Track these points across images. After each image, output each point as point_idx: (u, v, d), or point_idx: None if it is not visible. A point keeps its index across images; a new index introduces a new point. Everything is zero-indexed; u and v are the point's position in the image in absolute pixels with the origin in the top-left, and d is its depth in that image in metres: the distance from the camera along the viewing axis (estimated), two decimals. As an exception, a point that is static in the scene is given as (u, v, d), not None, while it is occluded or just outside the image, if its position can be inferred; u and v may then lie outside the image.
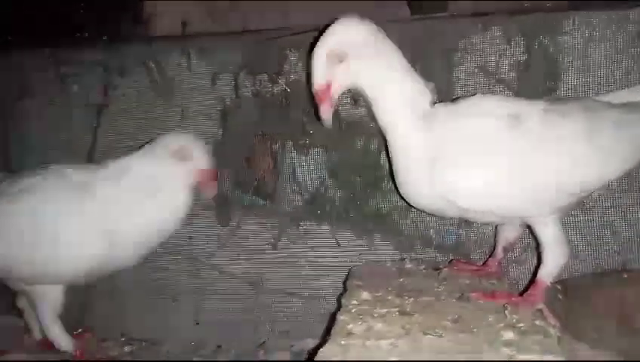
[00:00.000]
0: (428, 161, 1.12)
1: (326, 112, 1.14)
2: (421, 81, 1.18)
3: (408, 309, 1.08)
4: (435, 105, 1.19)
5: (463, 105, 1.16)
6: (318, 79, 1.13)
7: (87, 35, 1.64)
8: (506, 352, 0.87)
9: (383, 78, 1.15)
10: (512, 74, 1.44)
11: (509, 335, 0.94)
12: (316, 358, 0.89)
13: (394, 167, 1.22)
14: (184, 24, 1.58)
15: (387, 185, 1.53)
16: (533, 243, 1.42)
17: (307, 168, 1.59)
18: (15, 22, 1.69)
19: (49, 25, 1.66)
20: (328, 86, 1.13)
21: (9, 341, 1.64)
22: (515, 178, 1.08)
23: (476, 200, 1.11)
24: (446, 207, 1.14)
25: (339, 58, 1.11)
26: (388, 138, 1.20)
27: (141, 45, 1.64)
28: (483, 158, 1.09)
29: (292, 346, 1.57)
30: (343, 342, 0.93)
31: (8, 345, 1.59)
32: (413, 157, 1.15)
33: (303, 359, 1.49)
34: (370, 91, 1.17)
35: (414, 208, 1.40)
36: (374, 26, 1.16)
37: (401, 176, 1.20)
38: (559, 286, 1.29)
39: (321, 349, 0.92)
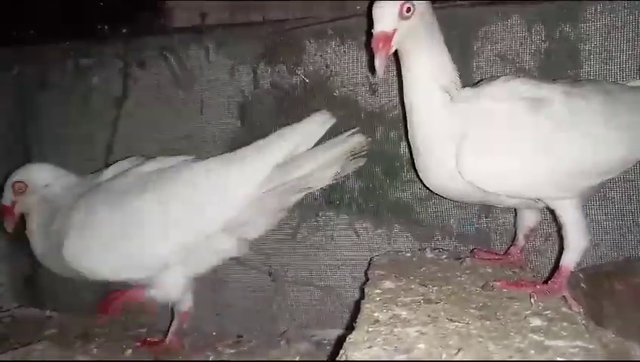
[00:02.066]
0: (452, 142, 1.12)
1: (382, 61, 1.09)
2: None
3: (433, 298, 1.08)
4: (461, 88, 1.19)
5: (488, 88, 1.16)
6: (386, 25, 1.08)
7: (106, 28, 1.65)
8: (534, 338, 0.87)
9: (431, 51, 1.15)
10: (533, 62, 1.43)
11: (536, 322, 0.94)
12: (345, 344, 0.90)
13: (416, 150, 1.21)
14: (203, 16, 1.58)
15: (406, 174, 1.53)
16: (554, 233, 1.42)
17: (326, 159, 1.58)
18: (35, 16, 1.70)
19: (69, 18, 1.66)
20: (392, 34, 1.09)
21: (31, 332, 1.67)
22: (538, 160, 1.08)
23: (500, 183, 1.11)
24: (469, 191, 1.14)
25: (407, 9, 1.08)
26: (414, 118, 1.19)
27: (160, 37, 1.65)
28: (507, 141, 1.09)
29: (313, 336, 1.58)
30: (370, 329, 0.94)
31: (31, 336, 1.61)
32: (438, 137, 1.15)
33: (324, 348, 1.50)
34: (414, 60, 1.15)
35: (434, 195, 1.40)
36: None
37: (425, 160, 1.19)
38: (582, 274, 1.28)
39: (348, 336, 0.92)
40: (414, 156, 1.24)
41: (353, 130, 1.43)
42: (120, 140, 1.73)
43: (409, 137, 1.25)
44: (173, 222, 1.37)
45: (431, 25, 1.16)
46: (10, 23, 1.73)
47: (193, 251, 1.41)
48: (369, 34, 1.13)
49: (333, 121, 1.44)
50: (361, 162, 1.45)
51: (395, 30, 1.09)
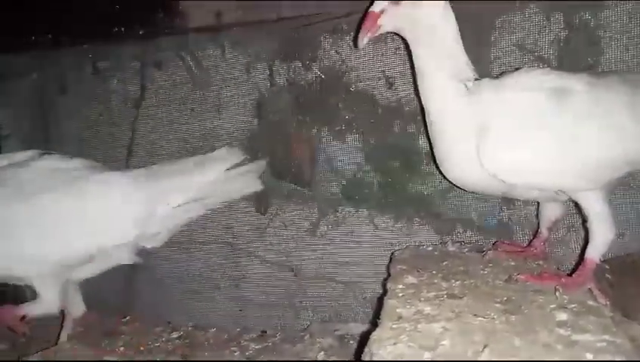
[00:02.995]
0: (473, 134, 1.11)
1: (363, 35, 1.15)
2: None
3: (456, 292, 1.08)
4: (480, 79, 1.18)
5: (509, 79, 1.15)
6: (376, 6, 1.15)
7: (123, 30, 1.66)
8: (560, 333, 0.87)
9: (442, 42, 1.15)
10: (552, 50, 1.41)
11: (562, 316, 0.93)
12: (369, 342, 0.90)
13: (436, 143, 1.21)
14: (218, 15, 1.58)
15: (426, 168, 1.52)
16: (577, 224, 1.41)
17: (344, 154, 1.59)
18: (53, 20, 1.72)
19: (85, 22, 1.68)
20: (378, 14, 1.14)
21: (57, 332, 1.70)
22: (563, 152, 1.07)
23: (524, 175, 1.10)
24: (491, 183, 1.13)
25: None
26: (431, 111, 1.19)
27: (176, 38, 1.65)
28: (531, 133, 1.08)
29: (336, 331, 1.58)
30: (394, 326, 0.94)
31: (56, 337, 1.64)
32: (458, 130, 1.14)
33: (347, 343, 1.51)
34: (425, 51, 1.17)
35: (455, 187, 1.39)
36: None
37: (444, 152, 1.19)
38: (607, 266, 1.27)
39: (373, 333, 0.93)
40: (434, 149, 1.23)
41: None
42: (139, 141, 1.75)
43: (428, 130, 1.24)
44: (73, 230, 1.36)
45: (436, 13, 1.15)
46: (29, 29, 1.74)
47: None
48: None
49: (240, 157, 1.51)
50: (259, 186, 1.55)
51: (382, 11, 1.14)
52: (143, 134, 1.74)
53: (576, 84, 1.10)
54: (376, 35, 1.18)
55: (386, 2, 1.13)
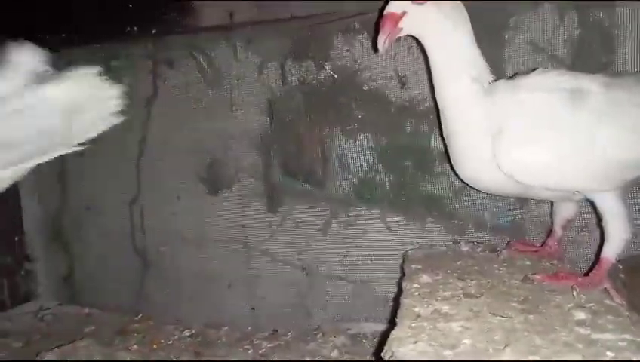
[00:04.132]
0: (490, 135, 1.11)
1: (383, 41, 1.12)
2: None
3: (473, 291, 1.08)
4: (495, 80, 1.18)
5: (525, 80, 1.15)
6: (395, 6, 1.12)
7: (135, 29, 1.67)
8: (580, 332, 0.87)
9: (458, 43, 1.15)
10: (565, 50, 1.41)
11: (580, 315, 0.94)
12: (389, 340, 0.90)
13: (451, 144, 1.21)
14: (231, 14, 1.59)
15: (438, 167, 1.52)
16: (590, 223, 1.41)
17: (356, 153, 1.59)
18: (66, 20, 1.73)
19: (98, 21, 1.69)
20: (399, 16, 1.12)
21: (71, 329, 1.71)
22: (579, 153, 1.07)
23: (540, 176, 1.10)
24: (507, 184, 1.13)
25: None
26: (447, 112, 1.19)
27: (189, 37, 1.66)
28: (547, 134, 1.08)
29: (348, 329, 1.59)
30: (413, 325, 0.94)
31: (72, 333, 1.66)
32: (474, 130, 1.14)
33: (360, 342, 1.52)
34: (441, 52, 1.16)
35: (467, 187, 1.39)
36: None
37: (460, 153, 1.19)
38: (620, 265, 1.27)
39: (392, 332, 0.93)
40: (448, 149, 1.23)
41: None
42: (151, 139, 1.76)
43: (442, 130, 1.24)
44: None
45: (454, 14, 1.15)
46: (42, 28, 1.75)
47: None
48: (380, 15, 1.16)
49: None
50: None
51: (404, 13, 1.11)
52: (155, 132, 1.75)
53: (592, 84, 1.10)
54: (395, 38, 1.16)
55: (407, 2, 1.12)
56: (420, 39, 1.20)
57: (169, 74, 1.70)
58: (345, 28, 1.55)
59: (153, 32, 1.67)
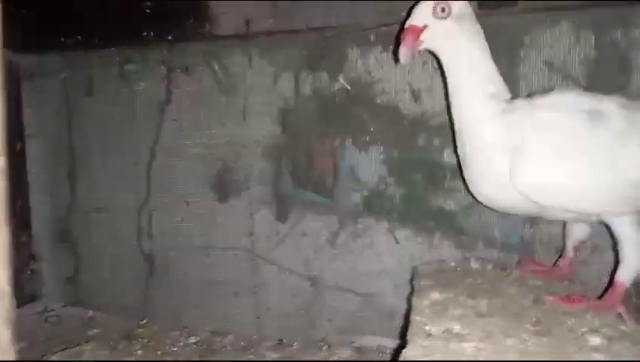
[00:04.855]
0: (507, 154, 1.10)
1: (405, 54, 1.13)
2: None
3: (484, 311, 1.07)
4: (513, 99, 1.18)
5: (543, 100, 1.15)
6: (416, 19, 1.14)
7: (151, 34, 1.67)
8: (596, 357, 0.86)
9: (475, 59, 1.16)
10: (581, 70, 1.41)
11: (595, 340, 0.93)
12: (401, 359, 0.90)
13: (467, 163, 1.20)
14: (247, 23, 1.59)
15: (449, 183, 1.52)
16: (601, 244, 1.40)
17: (367, 165, 1.59)
18: (82, 23, 1.74)
19: (115, 25, 1.69)
20: (421, 29, 1.13)
21: (75, 332, 1.71)
22: (597, 175, 1.06)
23: (557, 198, 1.09)
24: (523, 204, 1.12)
25: (441, 9, 1.12)
26: (462, 128, 1.18)
27: (204, 44, 1.66)
28: (565, 154, 1.07)
29: (353, 342, 1.58)
30: (425, 344, 0.93)
31: (76, 336, 1.65)
32: (491, 148, 1.13)
33: (365, 355, 1.51)
34: (458, 68, 1.17)
35: (481, 205, 1.39)
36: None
37: (476, 172, 1.18)
38: (633, 288, 1.26)
39: (403, 351, 0.92)
40: (463, 167, 1.23)
41: None
42: (163, 144, 1.76)
43: (457, 147, 1.24)
44: None
45: (473, 31, 1.16)
46: (58, 30, 1.76)
47: None
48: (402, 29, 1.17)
49: None
50: None
51: (425, 26, 1.13)
52: (167, 138, 1.75)
53: (611, 106, 1.09)
54: (417, 51, 1.17)
55: (429, 16, 1.13)
56: (437, 54, 1.21)
57: (183, 80, 1.71)
58: (360, 40, 1.55)
59: (169, 37, 1.67)
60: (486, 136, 1.14)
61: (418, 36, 1.13)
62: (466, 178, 1.22)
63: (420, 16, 1.14)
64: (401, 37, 1.15)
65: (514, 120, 1.12)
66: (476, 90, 1.15)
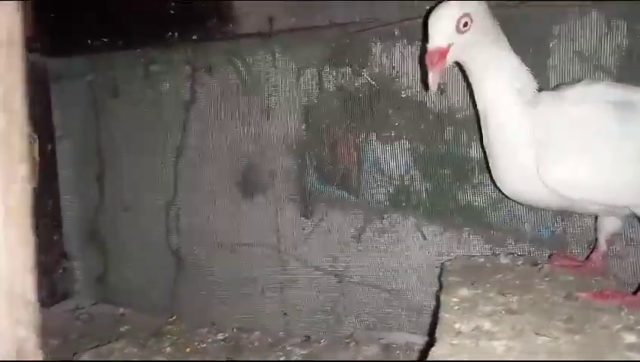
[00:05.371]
0: (534, 147, 1.08)
1: (436, 77, 1.08)
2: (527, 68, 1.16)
3: (514, 308, 1.05)
4: (540, 91, 1.16)
5: (571, 92, 1.12)
6: (440, 40, 1.07)
7: (175, 34, 1.69)
8: (632, 356, 0.84)
9: (498, 56, 1.12)
10: (612, 60, 1.37)
11: (630, 338, 0.90)
12: (429, 358, 0.89)
13: (493, 157, 1.18)
14: (271, 20, 1.59)
15: (478, 177, 1.49)
16: (636, 237, 1.36)
17: (392, 160, 1.57)
18: (107, 25, 1.76)
19: (139, 26, 1.71)
20: (447, 50, 1.08)
21: (106, 329, 1.74)
22: (625, 167, 1.04)
23: (584, 191, 1.07)
24: (552, 198, 1.10)
25: (464, 24, 1.07)
26: (489, 122, 1.16)
27: (228, 43, 1.67)
28: (594, 147, 1.05)
29: (380, 339, 1.57)
30: (454, 342, 0.92)
31: (107, 334, 1.68)
32: (518, 143, 1.11)
33: (393, 352, 1.50)
34: (482, 68, 1.14)
35: (509, 199, 1.36)
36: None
37: (502, 167, 1.16)
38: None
39: (432, 349, 0.91)
40: (490, 162, 1.21)
41: None
42: (189, 143, 1.78)
43: (484, 143, 1.22)
44: None
45: (494, 32, 1.13)
46: (84, 33, 1.79)
47: None
48: (423, 48, 1.12)
49: None
50: None
51: (450, 45, 1.08)
52: (193, 137, 1.77)
53: (639, 97, 1.06)
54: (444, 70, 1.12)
55: (451, 33, 1.07)
56: (461, 62, 1.18)
57: (207, 79, 1.72)
58: (384, 35, 1.54)
59: (193, 38, 1.68)
60: (512, 131, 1.12)
61: (445, 57, 1.08)
62: (493, 173, 1.20)
63: (444, 35, 1.07)
64: (428, 62, 1.08)
65: (540, 113, 1.10)
66: (502, 87, 1.13)
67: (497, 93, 1.13)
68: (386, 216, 1.60)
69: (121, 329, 1.73)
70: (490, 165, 1.22)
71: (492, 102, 1.15)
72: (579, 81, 1.19)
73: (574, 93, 1.12)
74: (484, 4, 1.13)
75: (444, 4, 1.11)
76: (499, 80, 1.13)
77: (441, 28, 1.08)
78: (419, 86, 1.52)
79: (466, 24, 1.07)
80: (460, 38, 1.08)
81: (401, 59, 1.53)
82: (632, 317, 1.00)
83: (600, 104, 1.07)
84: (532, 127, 1.10)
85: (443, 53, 1.07)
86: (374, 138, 1.58)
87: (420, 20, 1.47)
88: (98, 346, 1.50)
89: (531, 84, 1.16)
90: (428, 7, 1.42)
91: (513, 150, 1.12)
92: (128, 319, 1.82)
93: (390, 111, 1.56)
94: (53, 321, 1.78)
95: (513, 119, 1.12)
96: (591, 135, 1.06)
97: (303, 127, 1.65)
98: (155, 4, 1.68)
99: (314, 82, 1.61)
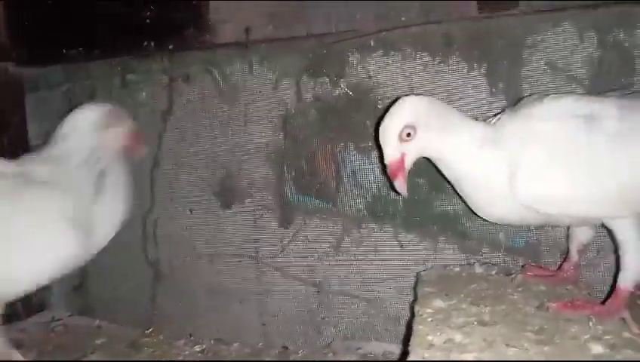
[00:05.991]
0: (505, 171, 1.10)
1: (402, 184, 1.16)
2: (479, 122, 1.21)
3: (487, 319, 1.06)
4: (501, 114, 1.19)
5: (537, 109, 1.13)
6: (392, 154, 1.15)
7: (152, 44, 1.68)
8: (598, 368, 0.85)
9: (451, 140, 1.16)
10: (584, 70, 1.39)
11: (597, 349, 0.92)
12: (401, 371, 0.89)
13: (465, 196, 1.21)
14: (247, 30, 1.59)
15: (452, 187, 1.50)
16: (605, 246, 1.38)
17: (369, 170, 1.58)
18: (84, 33, 1.75)
19: (116, 35, 1.70)
20: (402, 159, 1.15)
21: (82, 341, 1.72)
22: (596, 180, 1.05)
23: (558, 205, 1.08)
24: (527, 215, 1.12)
25: (407, 134, 1.14)
26: (460, 175, 1.19)
27: (205, 53, 1.67)
28: (563, 161, 1.07)
29: (358, 349, 1.58)
30: (426, 355, 0.93)
31: (83, 346, 1.66)
32: (489, 175, 1.13)
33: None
34: (439, 154, 1.19)
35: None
36: (430, 97, 1.22)
37: (476, 200, 1.19)
38: (638, 292, 1.24)
39: (404, 362, 0.92)
40: (468, 202, 1.22)
41: None
42: (166, 153, 1.77)
43: (460, 196, 1.24)
44: None
45: (439, 119, 1.16)
46: (60, 42, 1.77)
47: None
48: (380, 153, 1.19)
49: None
50: None
51: (403, 155, 1.15)
52: (170, 147, 1.76)
53: (608, 109, 1.08)
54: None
55: (398, 144, 1.14)
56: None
57: (185, 89, 1.71)
58: (360, 45, 1.55)
59: (170, 47, 1.68)
60: (482, 168, 1.14)
61: (403, 165, 1.15)
62: (471, 207, 1.22)
63: (393, 148, 1.15)
64: (390, 175, 1.17)
65: (507, 135, 1.13)
66: (463, 156, 1.16)
67: (460, 164, 1.16)
68: (363, 225, 1.61)
69: (98, 342, 1.71)
70: (471, 209, 1.23)
71: (457, 160, 1.17)
72: (545, 95, 1.20)
73: (541, 110, 1.13)
74: (424, 102, 1.17)
75: (387, 115, 1.17)
76: (457, 153, 1.16)
77: (389, 142, 1.15)
78: (396, 96, 1.53)
79: (409, 134, 1.14)
80: (408, 145, 1.14)
81: (378, 70, 1.54)
82: (600, 327, 1.01)
83: (566, 120, 1.09)
84: (500, 153, 1.12)
85: (399, 164, 1.15)
86: (352, 148, 1.59)
87: (397, 32, 1.50)
88: (74, 360, 1.48)
89: (487, 128, 1.18)
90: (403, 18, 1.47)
91: (486, 183, 1.14)
92: (105, 331, 1.80)
93: (367, 122, 1.56)
94: (29, 333, 1.75)
95: (480, 161, 1.14)
96: (562, 150, 1.08)
97: (281, 136, 1.65)
98: (132, 13, 1.67)
99: (291, 92, 1.62)
